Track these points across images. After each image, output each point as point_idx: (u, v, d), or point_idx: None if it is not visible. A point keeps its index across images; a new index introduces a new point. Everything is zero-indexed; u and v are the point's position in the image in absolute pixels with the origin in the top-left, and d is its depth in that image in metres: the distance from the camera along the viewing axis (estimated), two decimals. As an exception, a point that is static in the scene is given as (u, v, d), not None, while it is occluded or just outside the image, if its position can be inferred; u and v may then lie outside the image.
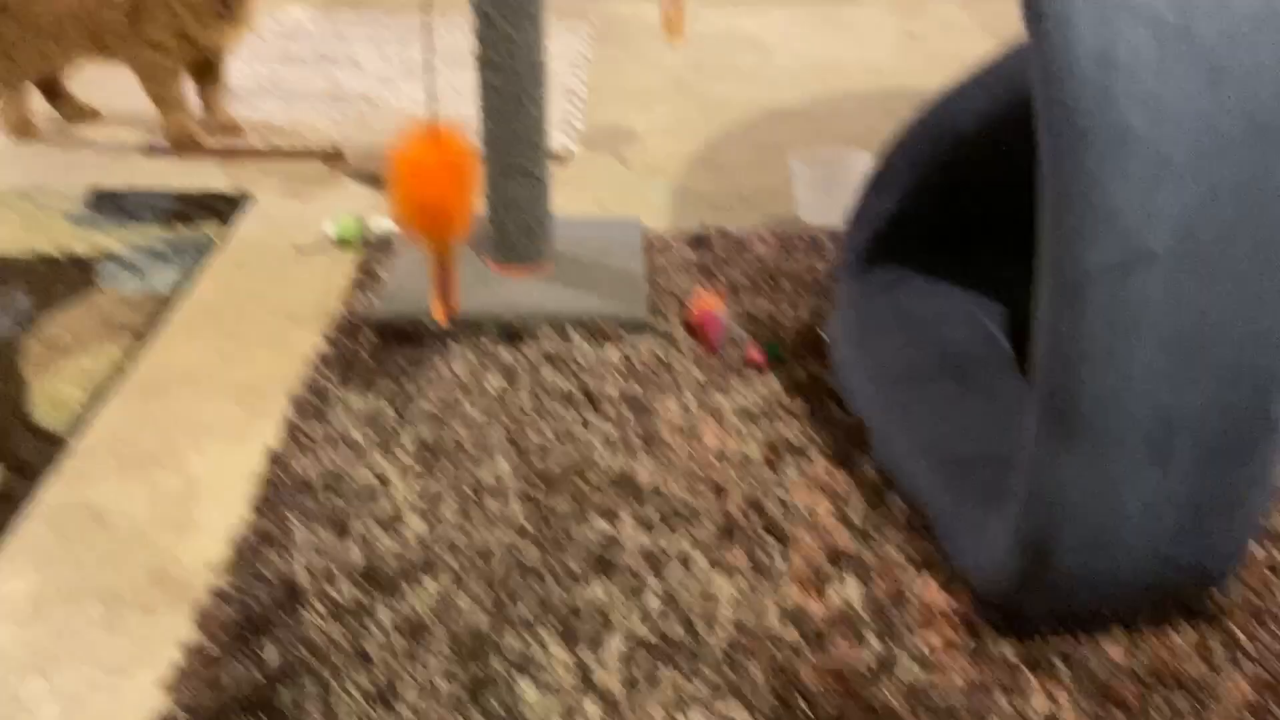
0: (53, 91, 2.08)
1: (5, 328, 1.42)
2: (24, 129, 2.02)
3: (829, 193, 1.79)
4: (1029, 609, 1.00)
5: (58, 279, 1.54)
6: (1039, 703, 0.94)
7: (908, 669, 0.96)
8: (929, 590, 1.05)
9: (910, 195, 1.39)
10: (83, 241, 1.65)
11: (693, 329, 1.45)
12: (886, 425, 1.22)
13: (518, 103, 1.44)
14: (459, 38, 2.36)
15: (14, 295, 1.50)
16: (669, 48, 2.61)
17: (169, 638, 0.99)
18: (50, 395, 1.29)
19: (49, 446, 1.22)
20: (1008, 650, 0.99)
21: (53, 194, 1.79)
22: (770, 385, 1.35)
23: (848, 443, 1.24)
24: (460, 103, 2.19)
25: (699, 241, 1.69)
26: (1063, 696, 0.95)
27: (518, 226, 1.51)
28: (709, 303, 1.45)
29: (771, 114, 2.29)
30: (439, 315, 1.22)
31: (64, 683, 0.94)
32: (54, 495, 1.16)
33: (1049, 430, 0.89)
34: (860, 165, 1.78)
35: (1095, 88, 0.83)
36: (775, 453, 1.22)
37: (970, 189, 1.36)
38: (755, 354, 1.39)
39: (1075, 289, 0.86)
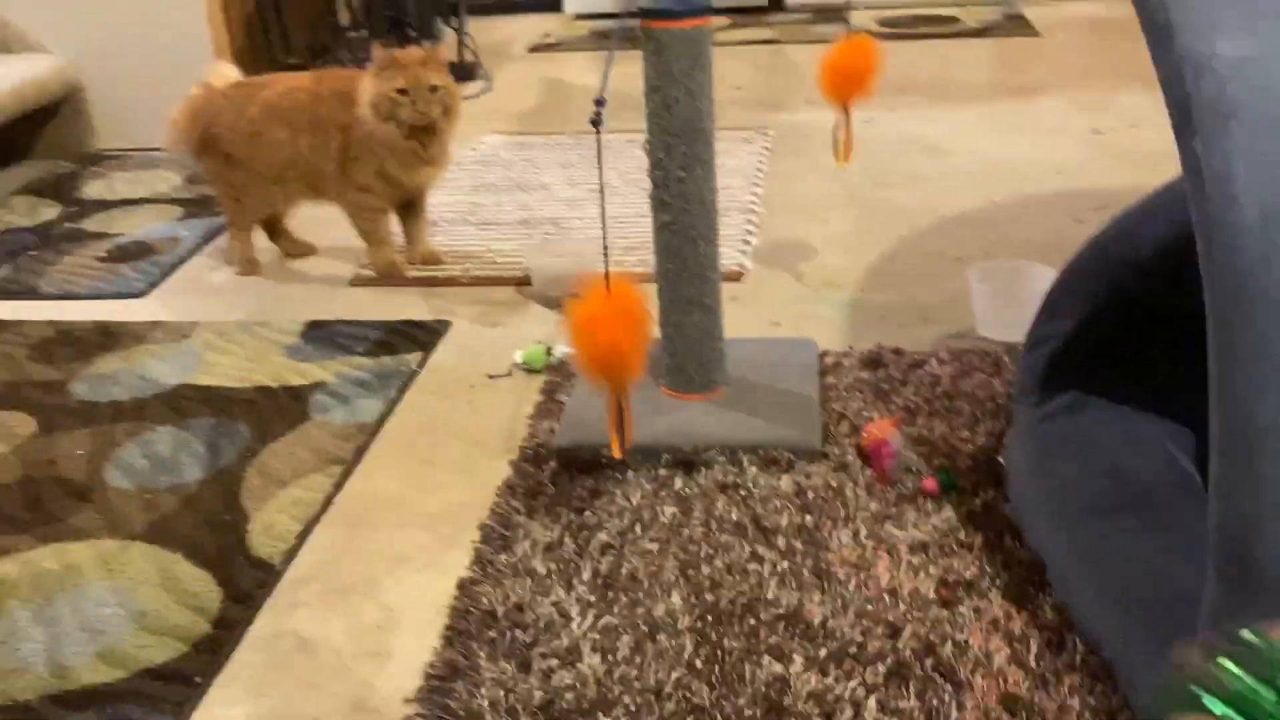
0: (274, 230, 2.29)
1: (230, 459, 1.57)
2: (250, 267, 2.23)
3: (1009, 308, 1.77)
4: (1222, 770, 0.95)
5: (275, 410, 1.69)
6: None
7: (1089, 830, 0.93)
8: (1112, 744, 1.01)
9: (1088, 319, 1.36)
10: (297, 373, 1.80)
11: (866, 455, 1.46)
12: (1065, 562, 1.19)
13: (690, 240, 1.51)
14: (639, 157, 2.46)
15: (237, 427, 1.65)
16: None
17: (365, 767, 1.06)
18: (267, 526, 1.41)
19: (264, 576, 1.33)
20: (1199, 814, 0.94)
21: (272, 327, 1.97)
22: (945, 516, 1.34)
23: (1026, 580, 1.22)
24: (642, 224, 2.28)
25: (873, 361, 1.70)
26: None
27: (690, 355, 1.56)
28: (882, 428, 1.46)
29: (949, 221, 2.28)
30: (615, 450, 1.28)
31: (273, 809, 1.02)
32: (266, 624, 1.26)
33: (1227, 592, 0.86)
34: (1042, 280, 1.75)
35: (1260, 244, 0.81)
36: (950, 590, 1.21)
37: (1151, 313, 1.33)
38: (929, 483, 1.38)
39: (1250, 445, 0.83)
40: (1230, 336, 0.83)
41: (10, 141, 2.95)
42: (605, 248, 1.24)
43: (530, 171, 2.73)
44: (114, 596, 1.30)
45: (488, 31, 4.15)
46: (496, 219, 2.44)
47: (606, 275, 1.21)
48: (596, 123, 1.14)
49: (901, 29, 3.88)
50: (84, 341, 1.95)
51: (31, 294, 2.18)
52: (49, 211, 2.64)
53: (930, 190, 2.44)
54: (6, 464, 1.59)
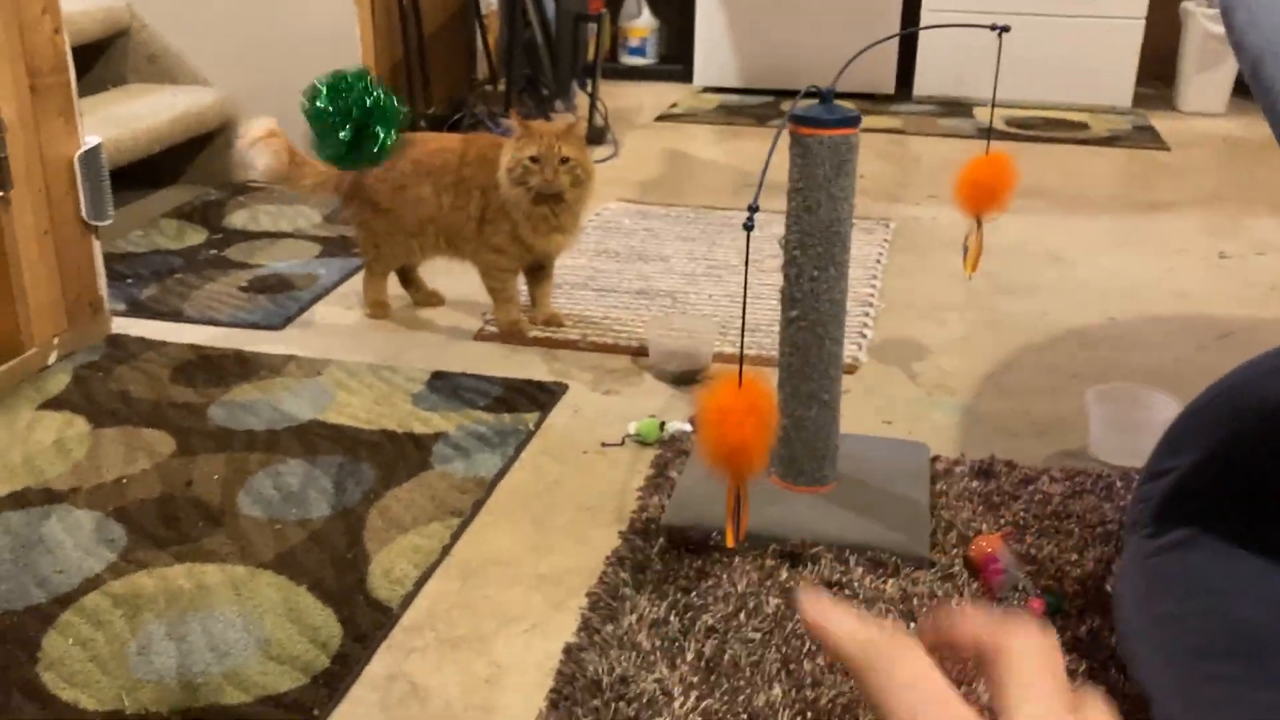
0: (406, 279, 2.39)
1: (354, 499, 1.64)
2: (381, 310, 2.33)
3: (1126, 432, 1.77)
4: None
5: (399, 455, 1.76)
6: None
7: None
8: None
9: (1210, 456, 1.37)
10: (420, 420, 1.87)
11: (973, 567, 1.47)
12: (1171, 704, 1.19)
13: (816, 336, 1.55)
14: (759, 236, 2.52)
15: (363, 468, 1.72)
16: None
17: (468, 820, 1.10)
18: (386, 569, 1.48)
19: (382, 618, 1.39)
20: None
21: (399, 371, 2.05)
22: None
23: (1131, 716, 1.21)
24: (758, 305, 2.34)
25: (985, 472, 1.72)
26: None
27: (805, 449, 1.59)
28: (992, 542, 1.47)
29: (1068, 336, 2.28)
30: (729, 540, 1.32)
31: None
32: (382, 665, 1.32)
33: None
34: (1162, 407, 1.75)
35: None
36: (1051, 715, 1.21)
37: (1275, 458, 1.33)
38: (1036, 604, 1.39)
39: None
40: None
41: (165, 166, 3.12)
42: (742, 344, 1.29)
43: (650, 241, 2.80)
44: (241, 621, 1.37)
45: (618, 97, 4.27)
46: (616, 287, 2.51)
47: (741, 368, 1.26)
48: (749, 226, 1.20)
49: (1029, 130, 3.90)
50: (222, 368, 2.06)
51: (175, 316, 2.31)
52: (195, 237, 2.78)
53: (1050, 301, 2.44)
54: (148, 480, 1.68)
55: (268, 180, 2.29)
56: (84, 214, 2.07)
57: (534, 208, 2.07)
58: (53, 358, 2.05)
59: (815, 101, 1.48)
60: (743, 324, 1.33)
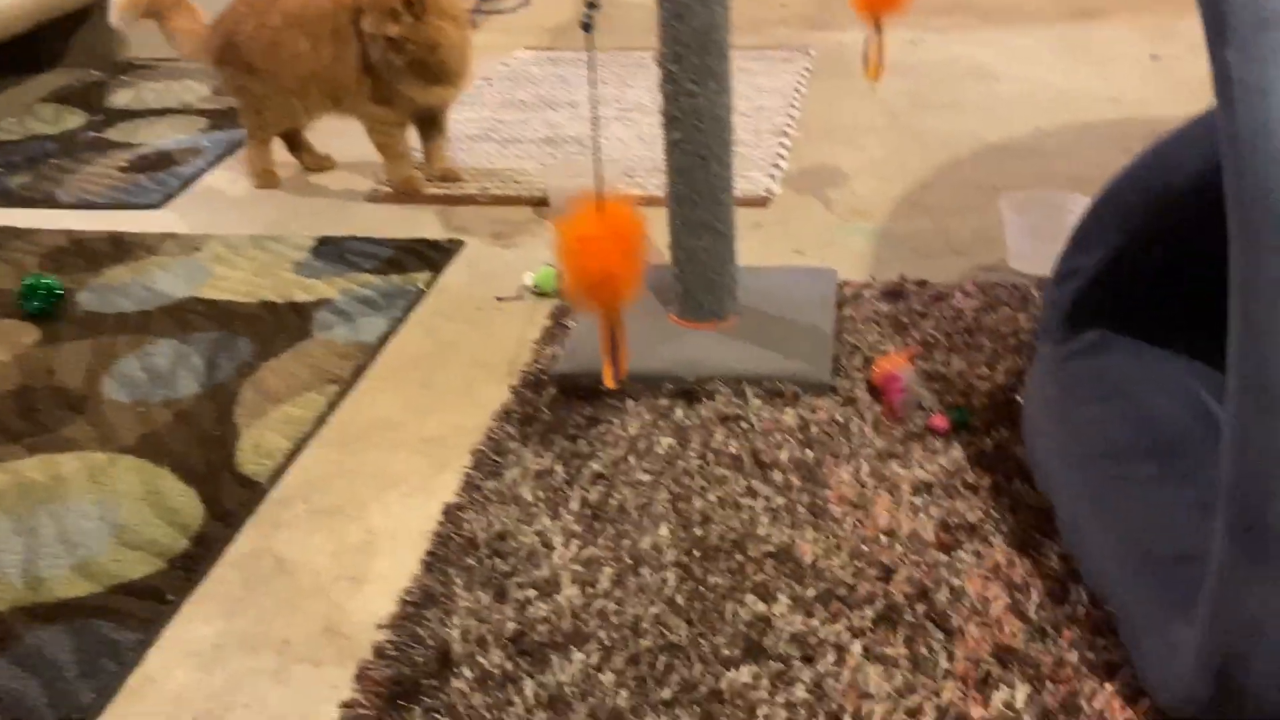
0: (294, 143, 2.24)
1: (227, 375, 1.54)
2: (268, 179, 2.19)
3: (1045, 241, 1.67)
4: (1222, 737, 0.89)
5: (278, 327, 1.65)
6: (1228, 847, 0.83)
7: (1074, 793, 0.88)
8: (1107, 703, 0.95)
9: (1119, 252, 1.28)
10: (303, 288, 1.76)
11: (876, 390, 1.39)
12: (1077, 509, 1.13)
13: (701, 159, 1.43)
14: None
15: (237, 342, 1.62)
16: (889, 80, 2.53)
17: (331, 694, 1.03)
18: (257, 444, 1.39)
19: (249, 494, 1.30)
20: (1195, 781, 0.88)
21: (284, 241, 1.93)
22: (953, 456, 1.27)
23: (1033, 526, 1.15)
24: (654, 147, 2.20)
25: (894, 293, 1.63)
26: (1258, 842, 0.84)
27: (700, 282, 1.49)
28: (895, 362, 1.39)
29: (993, 150, 2.17)
30: (607, 379, 1.23)
31: (233, 731, 1.00)
32: (247, 542, 1.24)
33: (1237, 549, 0.79)
34: (1080, 210, 1.66)
35: (1291, 167, 0.73)
36: (950, 533, 1.15)
37: (1186, 247, 1.24)
38: (939, 420, 1.31)
39: (1268, 393, 0.75)
40: (1253, 271, 0.75)
41: (38, 49, 2.91)
42: (597, 164, 1.17)
43: (560, 88, 2.65)
44: (97, 510, 1.28)
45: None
46: (520, 137, 2.37)
47: (599, 194, 1.15)
48: (587, 26, 1.07)
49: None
50: (95, 252, 1.93)
51: (48, 202, 2.16)
52: (74, 120, 2.61)
53: (976, 117, 2.32)
54: (5, 372, 1.57)
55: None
56: (-78, 97, 1.90)
57: (399, 59, 1.92)
58: (-90, 255, 1.92)
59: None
60: (595, 142, 1.21)
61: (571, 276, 1.15)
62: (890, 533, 1.16)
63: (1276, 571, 0.77)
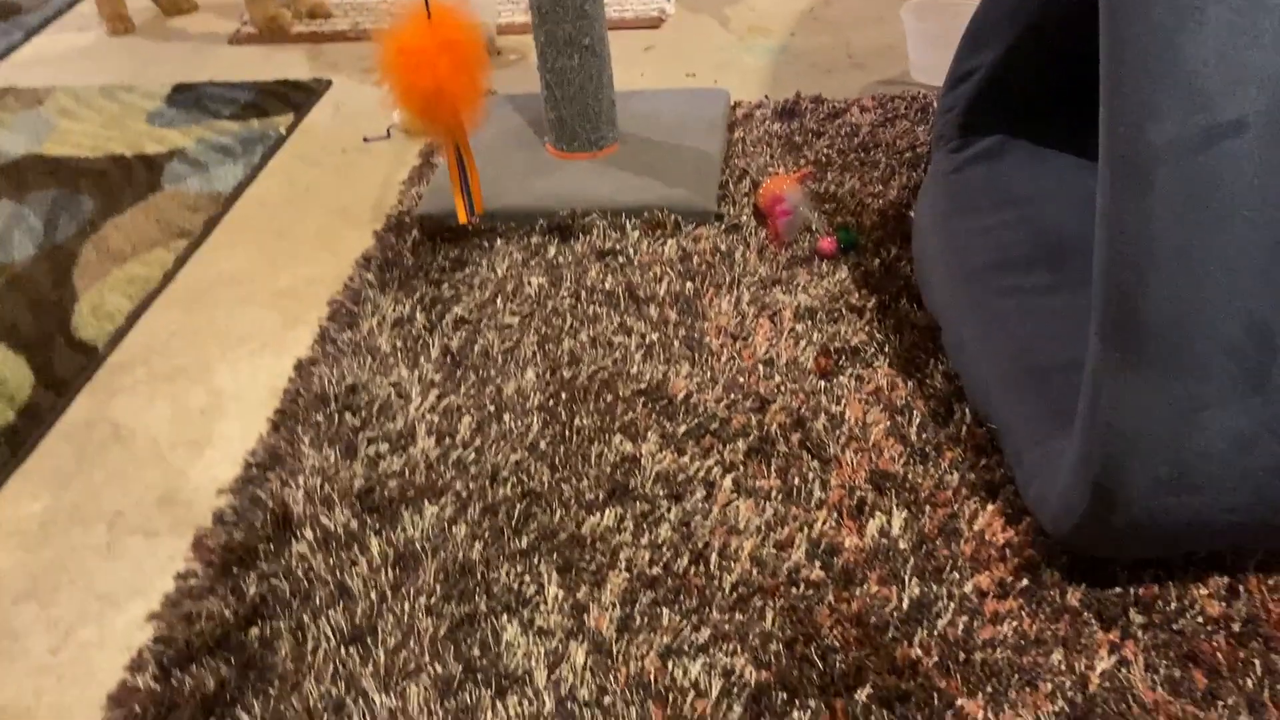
0: (147, -16, 2.05)
1: (67, 234, 1.41)
2: (120, 25, 2.01)
3: (946, 49, 1.56)
4: (1100, 551, 0.85)
5: (125, 181, 1.52)
6: (1102, 662, 0.79)
7: (947, 618, 0.83)
8: (988, 524, 0.90)
9: (1011, 49, 1.18)
10: (155, 139, 1.62)
11: (762, 214, 1.30)
12: (963, 323, 1.05)
13: (561, -33, 1.30)
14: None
15: (80, 200, 1.49)
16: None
17: (167, 565, 0.95)
18: (95, 306, 1.27)
19: (85, 360, 1.20)
20: (1073, 598, 0.84)
21: (136, 91, 1.77)
22: (839, 279, 1.19)
23: (918, 346, 1.08)
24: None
25: (789, 112, 1.52)
26: (1134, 653, 0.79)
27: (573, 108, 1.38)
28: (781, 184, 1.29)
29: (897, -42, 2.03)
30: (460, 214, 1.12)
31: (57, 611, 0.92)
32: (81, 411, 1.14)
33: (1110, 348, 0.72)
34: (979, 13, 1.54)
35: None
36: (830, 359, 1.08)
37: (1082, 39, 1.14)
38: (826, 243, 1.23)
39: (1140, 172, 0.67)
40: (1123, 41, 0.66)
41: None
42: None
43: (444, -85, 2.44)
44: (-85, 386, 1.17)
45: None
46: (399, -32, 2.18)
47: (430, 2, 1.02)
48: None
49: None
50: (-73, 112, 1.76)
51: (-121, 62, 1.97)
52: (-90, -28, 2.38)
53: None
54: None
55: None
56: None
57: None
58: None
59: None
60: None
61: (401, 93, 1.03)
62: (769, 362, 1.09)
63: (1150, 368, 0.70)
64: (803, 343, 1.11)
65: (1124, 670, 0.79)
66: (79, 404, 1.15)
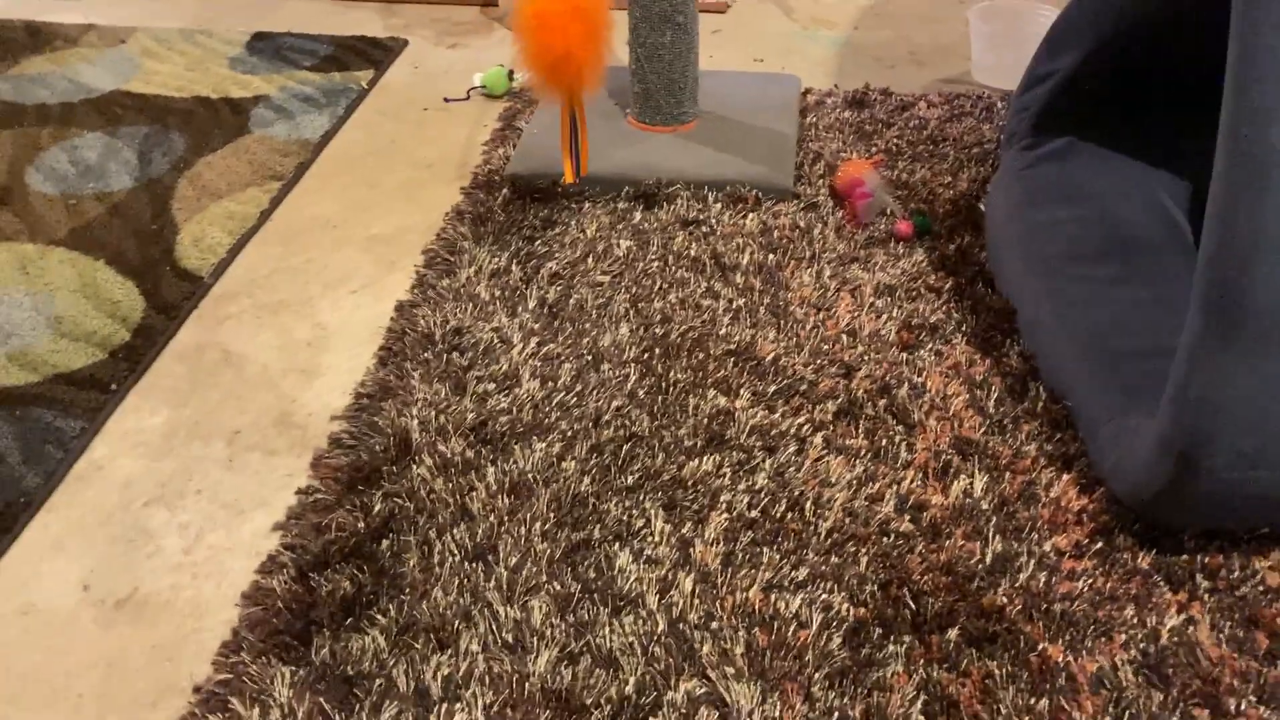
0: (222, -67, 2.09)
1: (162, 169, 1.46)
2: (194, -29, 2.05)
3: (1009, 51, 1.64)
4: (1174, 520, 0.92)
5: (214, 123, 1.57)
6: (1171, 619, 0.86)
7: (1028, 572, 0.90)
8: (1064, 492, 0.97)
9: (1089, 56, 1.24)
10: (240, 85, 1.67)
11: (839, 195, 1.36)
12: (1037, 308, 1.12)
13: (665, -54, 1.35)
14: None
15: (171, 137, 1.53)
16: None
17: (286, 481, 1.01)
18: (196, 238, 1.33)
19: (191, 288, 1.25)
20: (1144, 561, 0.91)
21: (216, 36, 1.82)
22: (916, 260, 1.26)
23: (994, 327, 1.15)
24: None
25: (859, 101, 1.58)
26: (1200, 614, 0.87)
27: (660, 82, 1.44)
28: (859, 168, 1.36)
29: (956, -38, 2.10)
30: (567, 174, 1.18)
31: (186, 516, 0.98)
32: (191, 335, 1.20)
33: (1210, 326, 0.79)
34: (1048, 20, 1.61)
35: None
36: (911, 333, 1.15)
37: (1155, 51, 1.21)
38: (903, 226, 1.30)
39: (1260, 171, 0.74)
40: (1250, 38, 0.73)
41: None
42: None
43: (507, -112, 2.49)
44: (30, 301, 1.22)
45: None
46: (466, -64, 2.23)
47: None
48: None
49: None
50: (10, 41, 1.80)
51: (-44, -10, 2.01)
52: (-22, -96, 2.40)
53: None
54: (-80, 162, 1.48)
55: None
56: None
57: None
58: None
59: None
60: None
61: (530, 55, 1.09)
62: (852, 332, 1.15)
63: (1246, 347, 0.77)
64: (883, 317, 1.17)
65: (1191, 628, 0.86)
66: (188, 329, 1.20)
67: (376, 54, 1.77)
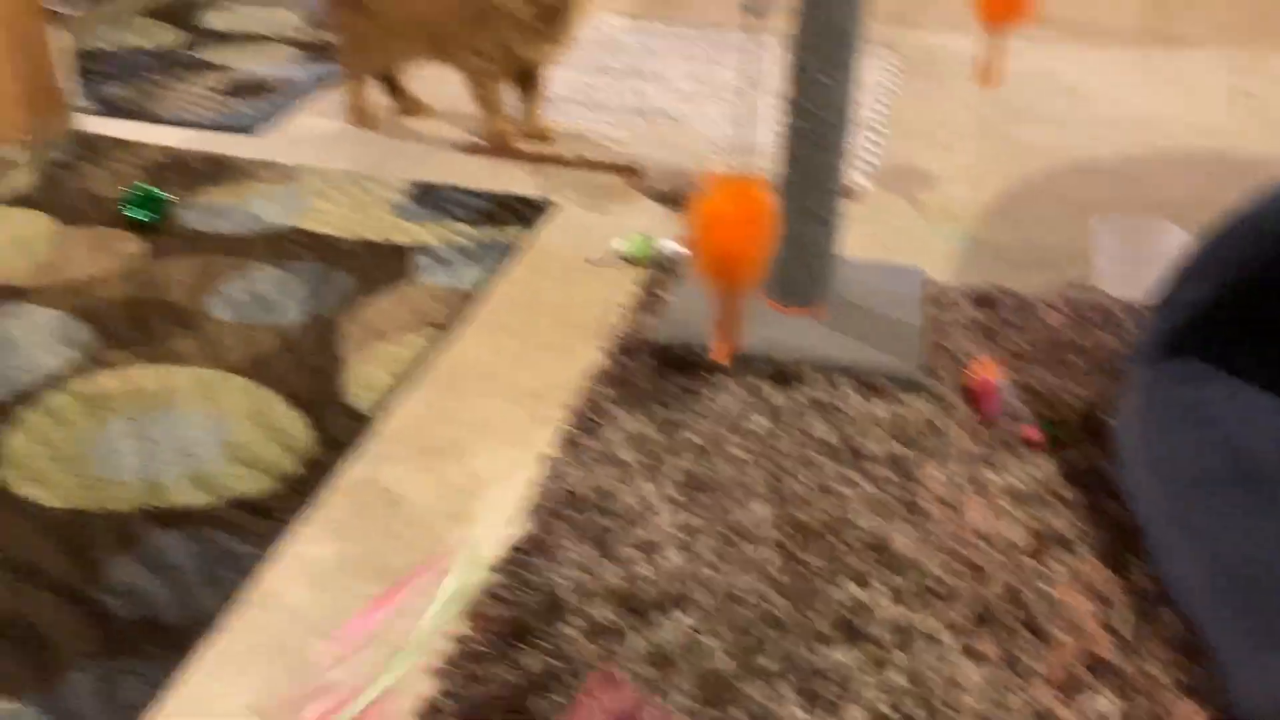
0: (391, 85, 2.27)
1: (330, 306, 1.57)
2: (362, 118, 2.22)
3: (1133, 264, 1.70)
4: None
5: (378, 265, 1.69)
6: None
7: (1159, 801, 0.92)
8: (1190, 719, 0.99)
9: (1226, 289, 1.30)
10: (401, 231, 1.79)
11: (969, 395, 1.42)
12: (1168, 531, 1.16)
13: (820, 149, 1.46)
14: (761, 60, 2.42)
15: (339, 276, 1.65)
16: (980, 89, 2.54)
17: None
18: (362, 377, 1.42)
19: (356, 425, 1.34)
20: (1276, 803, 0.92)
21: (380, 181, 1.96)
22: (1044, 467, 1.30)
23: (1121, 543, 1.18)
24: (758, 129, 2.23)
25: (984, 300, 1.65)
26: None
27: (800, 268, 1.52)
28: (989, 370, 1.42)
29: (1080, 168, 2.19)
30: (719, 354, 1.26)
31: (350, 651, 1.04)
32: (355, 471, 1.28)
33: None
34: (1171, 240, 1.68)
35: None
36: (1042, 542, 1.18)
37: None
38: (1032, 432, 1.34)
39: None
40: None
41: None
42: (747, 140, 1.20)
43: (648, 59, 2.66)
44: (209, 424, 1.32)
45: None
46: (609, 103, 2.39)
47: (738, 173, 1.17)
48: (752, 9, 1.09)
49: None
50: (194, 170, 1.96)
51: (147, 116, 2.19)
52: (168, 37, 2.64)
53: (1062, 132, 2.34)
54: (115, 281, 1.61)
55: None
56: (46, 2, 1.93)
57: (528, 13, 1.94)
58: (17, 155, 1.95)
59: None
60: (757, 128, 1.24)
61: (703, 251, 1.18)
62: (983, 535, 1.19)
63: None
64: (1013, 521, 1.21)
65: None
66: (352, 465, 1.29)
67: (527, 212, 1.89)
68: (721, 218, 1.15)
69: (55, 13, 1.96)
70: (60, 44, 2.01)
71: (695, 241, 1.19)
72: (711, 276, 1.20)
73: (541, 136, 2.17)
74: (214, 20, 2.76)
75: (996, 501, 1.24)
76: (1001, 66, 1.74)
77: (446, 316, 1.57)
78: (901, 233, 1.90)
